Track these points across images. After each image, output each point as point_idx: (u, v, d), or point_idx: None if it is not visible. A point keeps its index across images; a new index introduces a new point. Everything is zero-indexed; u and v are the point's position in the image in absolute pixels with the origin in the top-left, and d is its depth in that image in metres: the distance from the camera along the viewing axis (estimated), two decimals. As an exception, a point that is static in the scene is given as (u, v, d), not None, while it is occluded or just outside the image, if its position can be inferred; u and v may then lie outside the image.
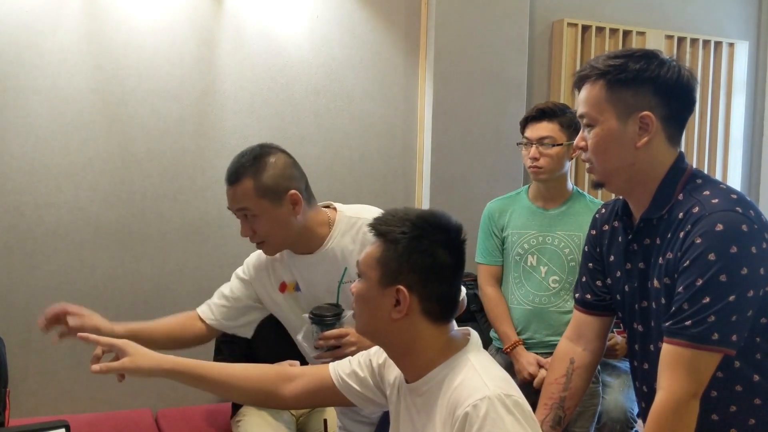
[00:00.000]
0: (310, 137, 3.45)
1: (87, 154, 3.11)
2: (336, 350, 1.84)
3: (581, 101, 1.63)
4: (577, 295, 1.86)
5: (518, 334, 2.65)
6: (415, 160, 3.63)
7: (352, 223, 1.90)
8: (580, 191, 2.68)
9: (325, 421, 2.49)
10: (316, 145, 3.46)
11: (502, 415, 1.31)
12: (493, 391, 1.34)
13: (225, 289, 2.06)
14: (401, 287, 1.40)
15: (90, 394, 3.16)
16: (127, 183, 3.18)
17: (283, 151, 1.90)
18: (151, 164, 3.21)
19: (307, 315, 1.89)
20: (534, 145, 2.55)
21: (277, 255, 1.97)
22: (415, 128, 3.63)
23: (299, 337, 1.97)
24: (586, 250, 1.84)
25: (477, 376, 1.37)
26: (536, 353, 2.60)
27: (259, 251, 2.00)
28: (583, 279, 1.84)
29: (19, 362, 3.03)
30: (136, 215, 3.20)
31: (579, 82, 1.64)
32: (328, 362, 1.87)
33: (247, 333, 2.09)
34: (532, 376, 2.56)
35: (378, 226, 1.47)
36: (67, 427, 1.88)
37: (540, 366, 2.56)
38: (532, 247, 2.60)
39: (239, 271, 2.06)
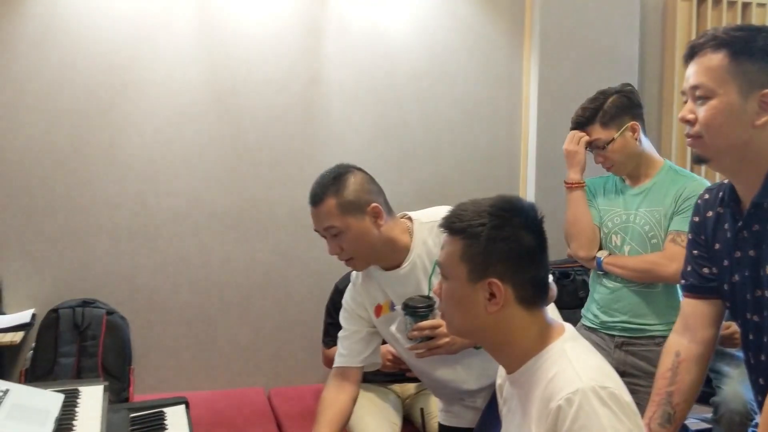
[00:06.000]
0: (412, 122, 3.46)
1: (201, 143, 3.26)
2: (430, 341, 1.86)
3: (696, 71, 1.52)
4: (683, 281, 1.79)
5: (602, 315, 2.55)
6: (520, 143, 3.57)
7: (430, 228, 1.92)
8: (674, 166, 2.56)
9: (422, 409, 2.50)
10: (418, 129, 3.47)
11: (596, 407, 1.27)
12: (586, 383, 1.29)
13: (341, 333, 2.10)
14: (493, 279, 1.37)
15: (207, 373, 3.32)
16: (239, 171, 3.30)
17: (360, 169, 1.95)
18: (261, 152, 3.32)
19: (399, 306, 1.91)
20: (595, 152, 2.50)
21: (369, 277, 2.01)
22: (519, 110, 3.56)
23: (392, 329, 1.99)
24: (690, 237, 1.76)
25: (571, 367, 1.33)
26: (619, 335, 2.49)
27: (350, 288, 2.06)
28: (689, 268, 1.76)
29: (142, 341, 3.23)
30: (248, 201, 3.32)
31: (692, 52, 1.54)
32: (421, 353, 1.88)
33: (378, 360, 2.13)
34: None
35: (453, 224, 1.44)
36: (187, 404, 1.99)
37: None
38: (616, 226, 2.52)
39: (341, 312, 2.11)
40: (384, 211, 1.89)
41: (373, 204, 1.87)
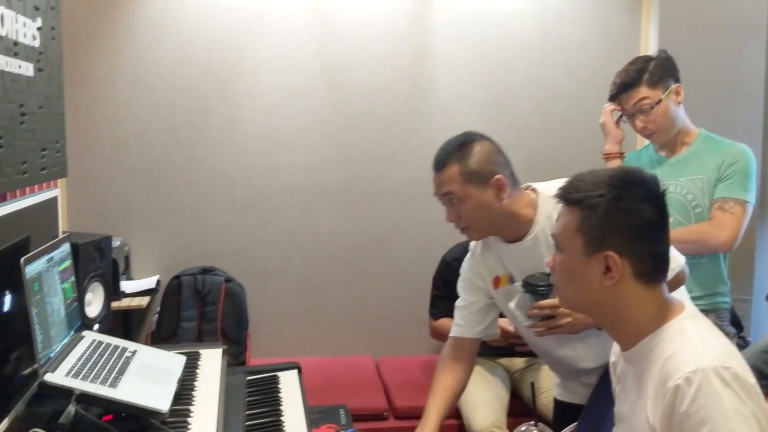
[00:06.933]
0: (522, 91, 3.39)
1: (311, 118, 3.32)
2: (550, 320, 1.83)
3: None
4: None
5: None
6: (637, 113, 3.43)
7: (555, 202, 1.86)
8: (710, 134, 2.40)
9: (532, 384, 2.46)
10: (528, 99, 3.39)
11: (717, 388, 1.21)
12: (708, 362, 1.23)
13: (458, 303, 2.07)
14: (610, 253, 1.33)
15: (318, 340, 3.43)
16: (347, 145, 3.35)
17: (489, 139, 1.90)
18: (368, 127, 3.35)
19: (519, 283, 1.88)
20: (635, 117, 2.34)
21: (488, 248, 1.98)
22: (636, 79, 3.41)
23: (512, 305, 1.96)
24: None
25: (691, 346, 1.28)
26: None
27: (468, 258, 2.03)
28: None
29: (258, 308, 3.36)
30: (356, 174, 3.37)
31: None
32: (541, 332, 1.85)
33: (497, 330, 2.10)
34: None
35: (570, 195, 1.39)
36: (299, 368, 2.06)
37: None
38: None
39: (459, 281, 2.08)
40: (508, 184, 1.84)
41: (497, 176, 1.82)
